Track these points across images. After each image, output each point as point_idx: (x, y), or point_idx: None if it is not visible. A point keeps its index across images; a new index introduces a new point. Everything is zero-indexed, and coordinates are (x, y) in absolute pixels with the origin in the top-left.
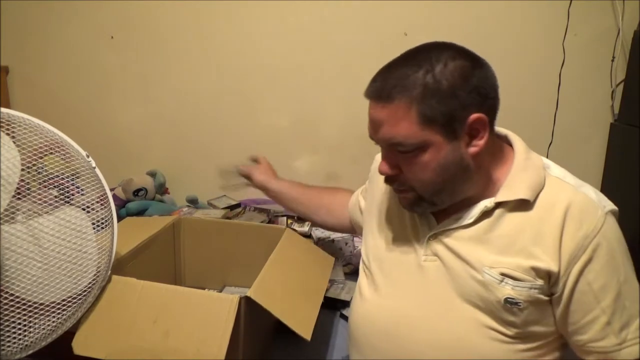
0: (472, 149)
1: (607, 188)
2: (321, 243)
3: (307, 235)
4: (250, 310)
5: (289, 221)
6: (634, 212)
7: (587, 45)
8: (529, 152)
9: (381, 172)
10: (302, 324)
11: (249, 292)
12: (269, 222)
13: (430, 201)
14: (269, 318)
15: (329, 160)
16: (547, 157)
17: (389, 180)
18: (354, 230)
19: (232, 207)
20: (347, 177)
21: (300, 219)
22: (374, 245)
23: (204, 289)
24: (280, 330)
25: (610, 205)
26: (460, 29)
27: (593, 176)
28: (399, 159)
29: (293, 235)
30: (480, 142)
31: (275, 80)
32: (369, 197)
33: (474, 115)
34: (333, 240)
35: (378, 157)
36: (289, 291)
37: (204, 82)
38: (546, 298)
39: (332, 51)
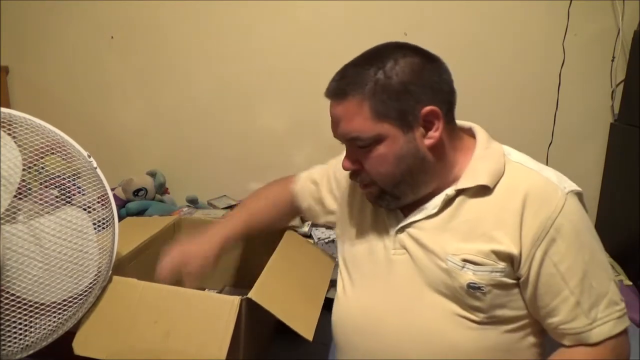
0: (428, 141)
1: (607, 188)
2: (321, 243)
3: (307, 236)
4: (251, 312)
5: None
6: (634, 212)
7: (587, 45)
8: (490, 141)
9: (344, 168)
10: (304, 324)
11: (250, 294)
12: None
13: (392, 194)
14: (269, 319)
15: (328, 160)
16: (547, 157)
17: (352, 175)
18: (294, 215)
19: (232, 207)
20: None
21: (301, 219)
22: (347, 244)
23: (204, 289)
24: (281, 331)
25: (571, 186)
26: (460, 29)
27: (593, 176)
28: (358, 154)
29: (293, 236)
30: (435, 134)
31: (275, 80)
32: (339, 196)
33: (427, 108)
34: (333, 241)
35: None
36: (290, 292)
37: (204, 82)
38: (511, 281)
39: (332, 51)
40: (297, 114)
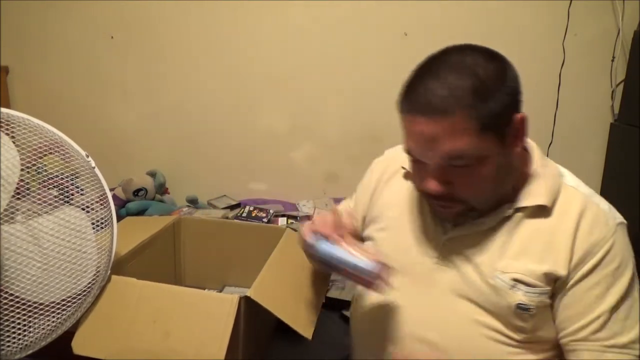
0: (516, 150)
1: (607, 188)
2: None
3: None
4: (250, 310)
5: (289, 221)
6: (634, 212)
7: (587, 45)
8: (544, 158)
9: (433, 191)
10: (303, 323)
11: (249, 292)
12: (268, 222)
13: (480, 210)
14: (268, 318)
15: (328, 160)
16: (547, 157)
17: (436, 197)
18: None
19: (232, 207)
20: (347, 177)
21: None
22: (386, 248)
23: (204, 289)
24: (280, 330)
25: (620, 218)
26: (460, 29)
27: (593, 176)
28: (453, 174)
29: (293, 235)
30: (522, 142)
31: (275, 81)
32: (376, 200)
33: (519, 115)
34: None
35: (382, 159)
36: (289, 291)
37: (203, 82)
38: (550, 301)
39: (333, 51)
40: (297, 114)
